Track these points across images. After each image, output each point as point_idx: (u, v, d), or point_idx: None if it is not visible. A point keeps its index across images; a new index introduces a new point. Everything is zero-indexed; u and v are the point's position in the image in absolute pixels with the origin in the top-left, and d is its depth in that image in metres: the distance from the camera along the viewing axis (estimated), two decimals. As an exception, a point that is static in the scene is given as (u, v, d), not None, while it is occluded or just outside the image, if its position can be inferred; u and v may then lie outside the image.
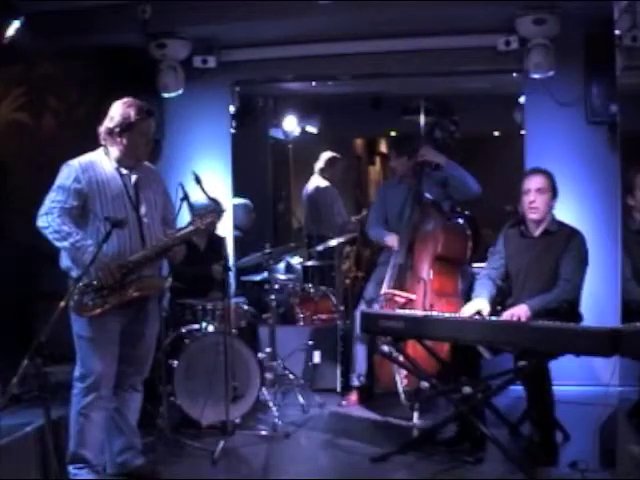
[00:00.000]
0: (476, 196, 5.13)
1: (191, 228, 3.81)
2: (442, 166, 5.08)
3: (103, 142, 3.79)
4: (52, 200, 3.63)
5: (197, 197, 4.14)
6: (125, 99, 3.78)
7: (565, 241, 4.27)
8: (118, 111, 3.73)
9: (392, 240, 5.14)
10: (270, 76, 6.29)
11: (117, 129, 3.72)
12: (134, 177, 3.79)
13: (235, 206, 6.18)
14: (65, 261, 3.70)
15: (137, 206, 3.76)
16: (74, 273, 3.64)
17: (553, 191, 4.33)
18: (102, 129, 3.77)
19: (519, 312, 4.10)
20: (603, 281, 4.97)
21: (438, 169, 5.12)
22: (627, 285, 4.30)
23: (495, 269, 4.46)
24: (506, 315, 4.14)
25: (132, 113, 3.71)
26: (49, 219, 3.59)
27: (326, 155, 7.51)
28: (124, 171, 3.77)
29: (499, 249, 4.49)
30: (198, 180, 4.00)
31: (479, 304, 4.27)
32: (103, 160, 3.76)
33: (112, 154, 3.77)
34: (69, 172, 3.66)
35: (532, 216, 4.31)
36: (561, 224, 4.38)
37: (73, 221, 3.63)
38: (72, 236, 3.58)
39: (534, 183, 4.31)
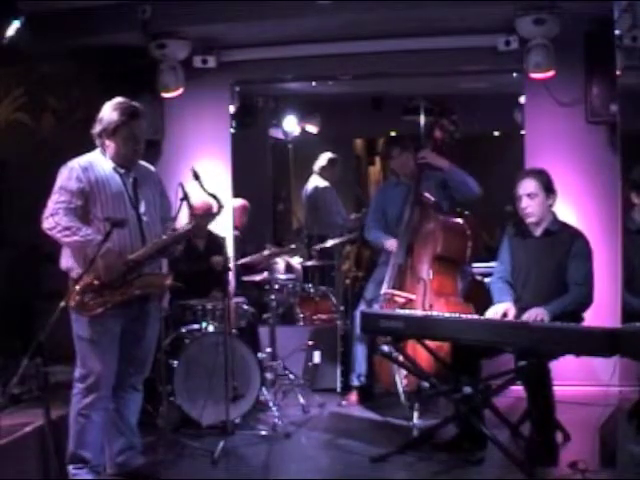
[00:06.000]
0: (476, 197, 5.15)
1: (190, 225, 3.81)
2: (445, 170, 5.08)
3: (97, 143, 3.78)
4: (56, 202, 3.62)
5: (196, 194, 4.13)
6: (113, 101, 3.75)
7: (569, 243, 4.23)
8: (104, 114, 3.71)
9: (392, 245, 5.13)
10: (270, 76, 6.28)
11: (104, 132, 3.71)
12: (132, 176, 3.79)
13: (233, 207, 6.17)
14: (65, 261, 3.70)
15: (136, 205, 3.75)
16: (74, 273, 3.63)
17: (547, 191, 4.27)
18: (94, 131, 3.76)
19: (539, 316, 4.04)
20: (603, 281, 4.95)
21: (438, 170, 5.12)
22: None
23: (506, 270, 4.42)
24: (525, 318, 4.07)
25: (116, 116, 3.68)
26: (56, 219, 3.59)
27: (326, 156, 7.53)
28: (122, 170, 3.76)
29: (505, 248, 4.48)
30: (197, 176, 3.98)
31: (505, 307, 4.21)
32: (101, 160, 3.75)
33: (107, 154, 3.76)
34: (70, 173, 3.66)
35: (528, 220, 4.30)
36: (563, 224, 4.35)
37: (79, 220, 3.63)
38: (82, 230, 3.57)
39: (523, 189, 4.28)
